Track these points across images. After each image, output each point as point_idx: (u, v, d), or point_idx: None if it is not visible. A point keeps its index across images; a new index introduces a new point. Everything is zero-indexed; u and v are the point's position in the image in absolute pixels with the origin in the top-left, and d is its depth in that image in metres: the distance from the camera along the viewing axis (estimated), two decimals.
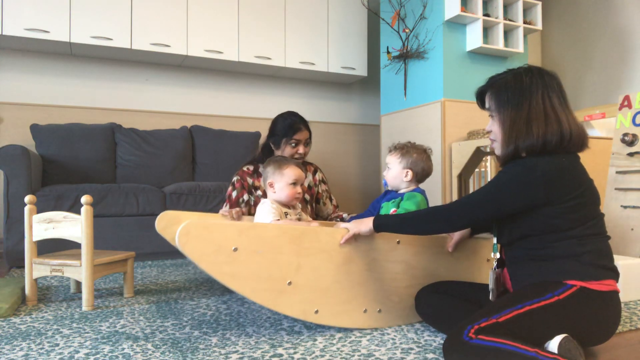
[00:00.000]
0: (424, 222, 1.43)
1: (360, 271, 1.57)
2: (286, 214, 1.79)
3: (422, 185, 1.86)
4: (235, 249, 1.41)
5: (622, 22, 3.96)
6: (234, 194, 2.22)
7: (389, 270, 1.61)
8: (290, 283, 1.47)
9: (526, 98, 1.31)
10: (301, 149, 2.24)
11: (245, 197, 2.21)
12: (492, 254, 1.48)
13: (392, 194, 1.85)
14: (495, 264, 1.47)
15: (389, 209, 1.79)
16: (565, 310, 1.20)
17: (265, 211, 1.74)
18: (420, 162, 1.80)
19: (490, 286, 1.42)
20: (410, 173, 1.78)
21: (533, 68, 1.36)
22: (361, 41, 4.28)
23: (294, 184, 1.79)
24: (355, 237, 1.55)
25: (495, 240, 1.45)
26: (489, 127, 1.41)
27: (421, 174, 1.81)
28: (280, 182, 1.78)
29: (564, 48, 4.49)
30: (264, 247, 1.44)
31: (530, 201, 1.27)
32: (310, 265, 1.50)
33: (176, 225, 1.84)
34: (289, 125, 2.22)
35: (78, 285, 2.12)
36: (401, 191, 1.82)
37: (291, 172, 1.79)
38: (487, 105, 1.41)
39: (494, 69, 3.56)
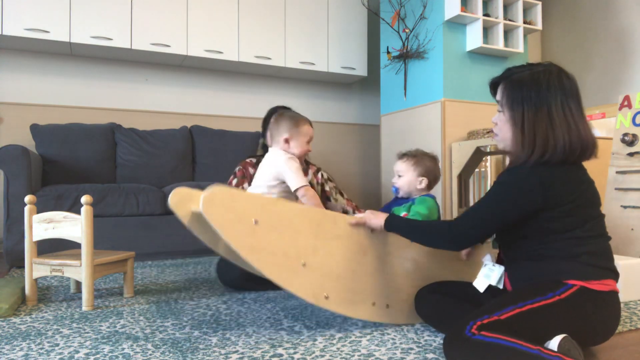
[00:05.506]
0: (430, 237, 1.44)
1: (373, 263, 1.58)
2: None
3: None
4: (256, 222, 1.41)
5: (622, 22, 3.96)
6: (234, 181, 2.28)
7: (401, 266, 1.62)
8: (304, 264, 1.47)
9: (544, 102, 1.27)
10: None
11: (246, 185, 2.24)
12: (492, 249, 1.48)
13: (401, 200, 1.85)
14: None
15: (399, 213, 1.79)
16: (566, 309, 1.20)
17: (295, 167, 1.73)
18: (433, 169, 1.81)
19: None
20: (425, 181, 1.79)
21: (553, 68, 1.31)
22: (361, 41, 4.28)
23: (308, 141, 1.85)
24: (370, 227, 1.56)
25: (494, 236, 1.45)
26: (495, 119, 1.38)
27: (433, 181, 1.83)
28: (297, 139, 1.81)
29: (564, 48, 4.49)
30: (284, 225, 1.45)
31: (529, 208, 1.26)
32: (326, 249, 1.50)
33: (189, 203, 1.79)
34: (268, 113, 2.42)
35: (78, 285, 2.12)
36: (413, 197, 1.82)
37: (308, 130, 1.85)
38: (497, 98, 1.37)
39: (494, 69, 3.57)
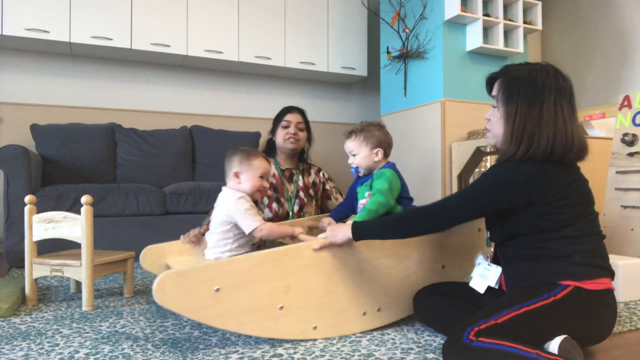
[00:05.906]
0: (405, 225, 1.41)
1: (352, 275, 1.54)
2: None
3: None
4: (218, 289, 1.36)
5: (622, 22, 3.96)
6: None
7: (381, 266, 1.58)
8: (282, 307, 1.43)
9: (538, 99, 1.27)
10: (292, 129, 2.32)
11: None
12: (486, 248, 1.48)
13: (363, 178, 1.80)
14: (489, 257, 1.47)
15: (364, 193, 1.75)
16: (562, 310, 1.20)
17: (243, 209, 1.60)
18: (383, 137, 1.76)
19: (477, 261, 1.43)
20: (380, 152, 1.74)
21: (550, 68, 1.32)
22: (361, 41, 4.28)
23: (262, 176, 1.70)
24: (337, 245, 1.50)
25: (488, 234, 1.45)
26: (489, 115, 1.38)
27: (388, 148, 1.78)
28: (247, 173, 1.68)
29: (564, 48, 4.49)
30: (247, 279, 1.40)
31: (511, 202, 1.27)
32: (299, 283, 1.45)
33: (161, 258, 1.84)
34: (281, 111, 2.41)
35: (78, 285, 2.12)
36: (374, 172, 1.77)
37: (260, 164, 1.70)
38: (494, 93, 1.38)
39: (494, 69, 3.55)
